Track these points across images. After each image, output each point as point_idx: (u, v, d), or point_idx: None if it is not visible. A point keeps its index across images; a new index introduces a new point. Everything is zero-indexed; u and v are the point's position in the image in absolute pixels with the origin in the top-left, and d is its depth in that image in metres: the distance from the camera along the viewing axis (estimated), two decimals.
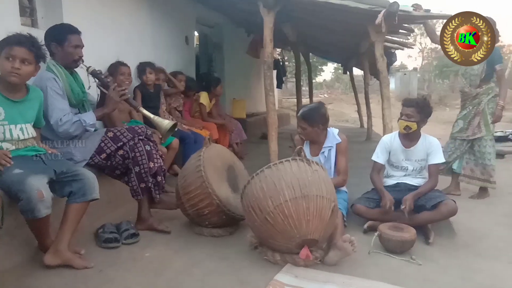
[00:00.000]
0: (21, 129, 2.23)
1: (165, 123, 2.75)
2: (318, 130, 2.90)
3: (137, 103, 2.89)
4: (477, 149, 3.78)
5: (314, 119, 2.88)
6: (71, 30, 2.65)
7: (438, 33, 3.36)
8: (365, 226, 2.83)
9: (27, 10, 3.17)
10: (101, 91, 2.89)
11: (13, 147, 2.20)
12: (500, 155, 6.03)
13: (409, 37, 6.61)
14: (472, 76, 3.76)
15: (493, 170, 3.76)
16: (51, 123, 2.50)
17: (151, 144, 2.71)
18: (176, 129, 2.87)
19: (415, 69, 28.10)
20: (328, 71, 27.80)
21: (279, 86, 10.26)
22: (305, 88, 14.47)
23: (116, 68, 3.63)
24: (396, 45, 6.78)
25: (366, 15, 3.88)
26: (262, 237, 2.35)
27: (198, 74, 6.19)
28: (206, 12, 6.46)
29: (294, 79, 12.16)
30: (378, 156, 3.07)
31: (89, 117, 2.63)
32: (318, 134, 2.94)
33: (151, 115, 2.80)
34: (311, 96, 10.42)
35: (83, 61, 2.69)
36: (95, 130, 2.74)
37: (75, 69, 2.76)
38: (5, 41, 2.14)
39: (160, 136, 3.32)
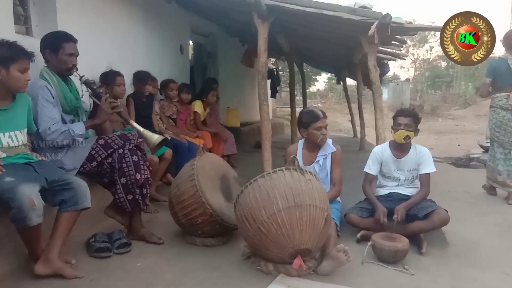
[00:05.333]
0: (10, 136, 2.21)
1: (154, 138, 2.73)
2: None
3: (127, 116, 2.88)
4: None
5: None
6: (67, 38, 2.63)
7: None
8: (358, 235, 2.83)
9: (22, 18, 3.16)
10: (94, 101, 2.88)
11: (4, 155, 2.18)
12: None
13: (401, 48, 6.68)
14: None
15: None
16: (40, 131, 2.48)
17: (139, 154, 2.67)
18: (165, 141, 2.86)
19: (407, 79, 28.40)
20: (321, 81, 27.96)
21: (273, 95, 10.32)
22: (299, 98, 14.54)
23: (113, 78, 3.58)
24: (388, 56, 6.84)
25: (359, 27, 3.93)
26: (255, 247, 2.34)
27: (197, 81, 6.18)
28: (201, 22, 6.50)
29: (288, 89, 12.22)
30: (370, 168, 3.09)
31: (78, 127, 2.59)
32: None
33: (141, 129, 2.78)
34: (305, 105, 10.46)
35: (77, 70, 2.68)
36: (86, 138, 2.73)
37: (71, 77, 2.74)
38: (13, 53, 2.14)
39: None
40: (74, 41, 2.65)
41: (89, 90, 2.75)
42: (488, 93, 4.15)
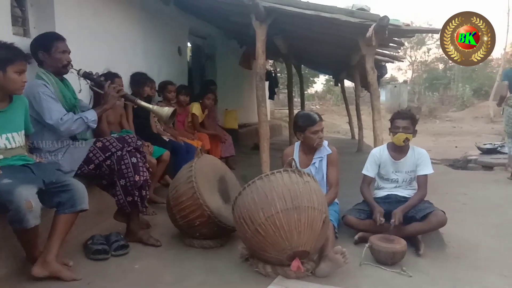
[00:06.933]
0: (7, 138, 2.21)
1: (165, 111, 2.80)
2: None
3: (134, 97, 2.93)
4: None
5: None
6: (57, 37, 2.65)
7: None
8: (356, 237, 2.83)
9: (19, 20, 3.16)
10: (94, 92, 2.89)
11: (1, 157, 2.17)
12: (489, 167, 6.11)
13: (399, 51, 6.72)
14: None
15: None
16: (51, 123, 2.48)
17: (138, 156, 2.67)
18: (176, 112, 2.95)
19: (405, 81, 28.42)
20: (319, 82, 27.99)
21: (271, 97, 10.34)
22: (297, 99, 14.54)
23: (111, 80, 3.58)
24: (386, 58, 6.87)
25: (357, 29, 3.94)
26: (253, 249, 2.33)
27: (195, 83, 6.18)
28: (199, 24, 6.51)
29: (286, 90, 12.24)
30: (368, 170, 3.09)
31: (91, 114, 2.62)
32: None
33: (150, 106, 2.89)
34: (303, 107, 10.48)
35: (72, 66, 2.68)
36: (85, 140, 2.72)
37: (65, 76, 2.74)
38: (11, 55, 2.14)
39: (147, 144, 3.31)
40: (63, 39, 2.67)
41: (89, 82, 2.76)
42: (505, 92, 5.21)
